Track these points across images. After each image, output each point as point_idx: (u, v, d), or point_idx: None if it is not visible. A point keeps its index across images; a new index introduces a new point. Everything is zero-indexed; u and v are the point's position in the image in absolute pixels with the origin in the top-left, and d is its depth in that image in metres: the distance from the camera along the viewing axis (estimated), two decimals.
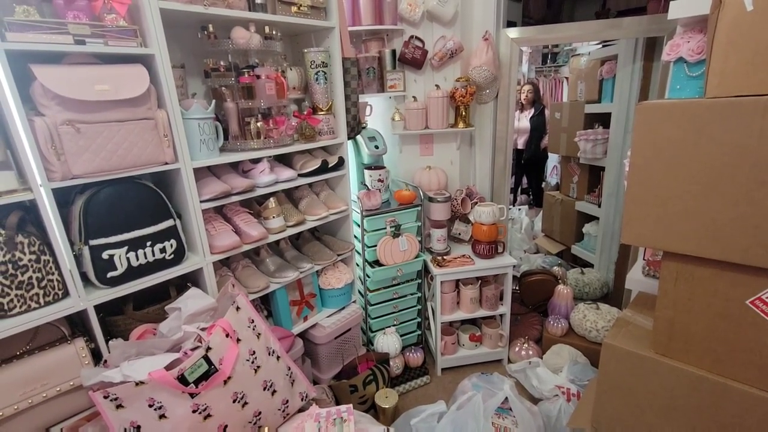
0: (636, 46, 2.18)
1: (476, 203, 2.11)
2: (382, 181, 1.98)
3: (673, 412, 1.12)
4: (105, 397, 0.96)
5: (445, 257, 2.05)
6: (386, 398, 1.76)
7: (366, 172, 1.99)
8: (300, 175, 1.62)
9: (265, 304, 1.70)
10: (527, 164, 4.59)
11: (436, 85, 2.07)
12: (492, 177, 2.31)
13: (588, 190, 2.88)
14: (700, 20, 1.25)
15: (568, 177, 3.12)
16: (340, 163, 1.71)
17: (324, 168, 1.63)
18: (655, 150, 0.97)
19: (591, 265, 2.70)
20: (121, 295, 1.16)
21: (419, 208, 1.99)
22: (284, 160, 1.70)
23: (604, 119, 2.58)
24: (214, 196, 1.30)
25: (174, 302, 1.22)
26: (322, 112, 1.64)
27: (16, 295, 0.99)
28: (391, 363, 1.99)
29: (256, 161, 1.48)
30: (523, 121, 4.38)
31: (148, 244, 1.18)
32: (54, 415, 1.08)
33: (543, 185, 4.50)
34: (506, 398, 1.62)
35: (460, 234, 2.22)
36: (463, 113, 2.09)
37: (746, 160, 0.84)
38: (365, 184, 1.99)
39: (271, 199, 1.53)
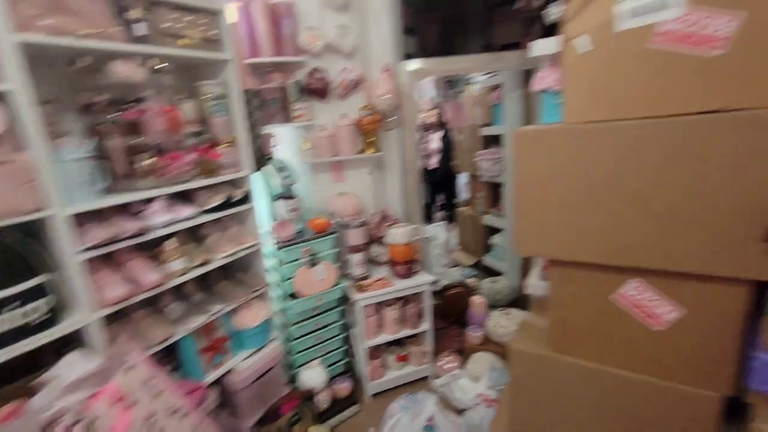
0: (516, 77, 2.47)
1: (391, 225, 2.17)
2: (295, 211, 1.95)
3: (575, 403, 1.23)
4: None
5: (364, 282, 2.07)
6: None
7: (277, 202, 1.94)
8: (203, 212, 1.53)
9: (171, 355, 1.54)
10: (441, 183, 4.88)
11: (343, 114, 2.12)
12: (404, 198, 2.40)
13: (492, 204, 3.14)
14: (556, 57, 1.47)
15: (474, 193, 3.37)
16: (246, 197, 1.65)
17: (229, 203, 1.56)
18: (532, 168, 1.10)
19: (501, 274, 2.92)
20: None
21: (335, 235, 1.99)
22: (185, 197, 1.58)
23: (498, 140, 2.86)
24: (98, 242, 1.17)
25: (49, 371, 1.05)
26: (224, 146, 1.57)
27: None
28: (317, 398, 1.92)
29: (149, 201, 1.36)
30: (435, 142, 4.67)
31: (6, 309, 1.00)
32: None
33: (456, 201, 4.79)
34: (432, 415, 1.66)
35: (378, 256, 2.26)
36: (371, 140, 2.17)
37: (605, 177, 0.99)
38: (278, 216, 1.94)
39: (170, 240, 1.41)
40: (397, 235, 2.02)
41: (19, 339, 1.03)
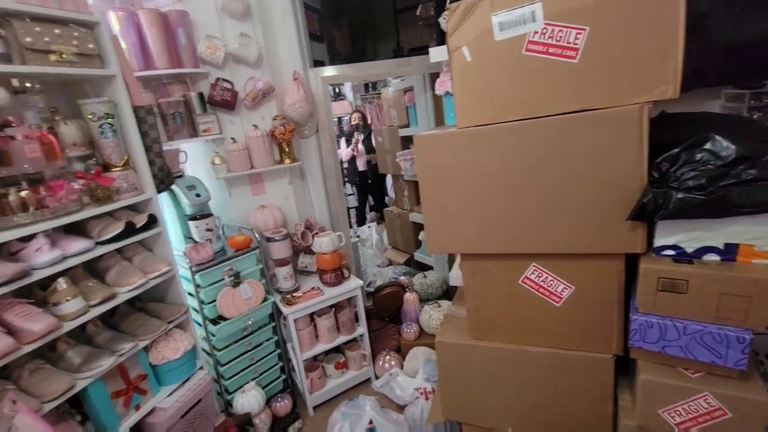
0: (425, 79, 2.57)
1: (316, 234, 2.15)
2: (212, 230, 1.85)
3: (498, 383, 1.32)
4: None
5: (294, 294, 2.02)
6: None
7: (191, 223, 1.82)
8: (98, 244, 1.38)
9: (77, 406, 1.38)
10: (369, 185, 4.92)
11: (254, 125, 2.05)
12: (328, 205, 2.39)
13: (417, 202, 3.24)
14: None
15: (400, 192, 3.46)
16: (152, 221, 1.52)
17: (130, 230, 1.43)
18: (433, 171, 1.16)
19: (432, 268, 3.03)
20: None
21: (257, 251, 1.92)
22: (77, 229, 1.42)
23: None
24: None
25: None
26: (117, 169, 1.44)
27: None
28: (256, 421, 1.84)
29: (29, 239, 1.20)
30: (360, 144, 4.71)
31: None
32: None
33: (387, 201, 4.88)
34: (371, 419, 1.67)
35: (306, 267, 2.23)
36: (287, 149, 2.12)
37: (492, 174, 1.07)
38: (191, 237, 1.83)
39: (60, 279, 1.26)
40: (323, 243, 2.00)
41: None
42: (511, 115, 1.03)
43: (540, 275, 1.15)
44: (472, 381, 1.37)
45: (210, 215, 1.88)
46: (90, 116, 1.38)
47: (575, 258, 1.07)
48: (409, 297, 2.42)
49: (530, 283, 1.17)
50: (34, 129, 1.21)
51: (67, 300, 1.26)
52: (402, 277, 2.83)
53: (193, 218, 1.84)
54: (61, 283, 1.26)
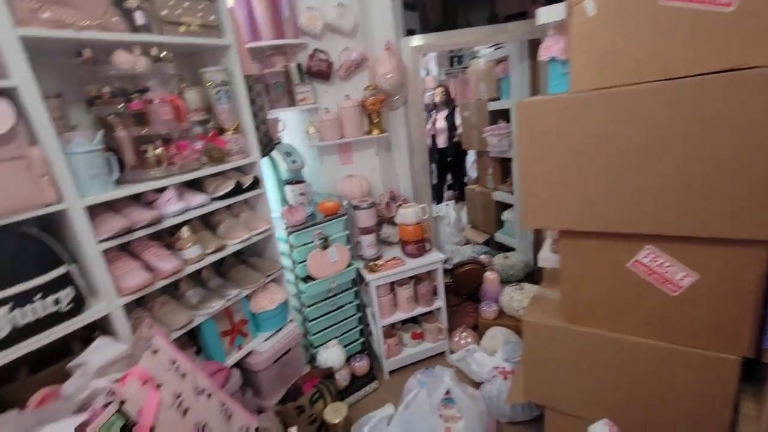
0: (522, 48, 2.40)
1: (400, 206, 2.17)
2: (304, 195, 1.96)
3: (589, 371, 1.25)
4: None
5: (376, 262, 2.08)
6: (335, 412, 1.73)
7: (287, 187, 1.95)
8: (214, 199, 1.55)
9: (193, 339, 1.59)
10: (449, 162, 4.82)
11: (347, 95, 2.10)
12: (413, 178, 2.39)
13: (501, 180, 3.10)
14: (564, 24, 1.42)
15: (483, 170, 3.34)
16: (256, 183, 1.66)
17: (238, 189, 1.58)
18: (536, 141, 1.08)
19: (513, 249, 2.91)
20: (9, 361, 1.02)
21: (345, 218, 2.00)
22: (196, 185, 1.61)
23: (506, 115, 2.81)
24: (114, 233, 1.20)
25: (77, 358, 1.10)
26: (229, 133, 1.58)
27: None
28: (336, 376, 1.97)
29: (161, 190, 1.38)
30: (441, 121, 4.61)
31: (37, 297, 1.05)
32: None
33: (465, 180, 4.76)
34: (448, 389, 1.69)
35: (388, 237, 2.27)
36: (376, 120, 2.15)
37: (609, 144, 0.97)
38: (287, 200, 1.96)
39: (184, 228, 1.44)
40: (407, 214, 2.02)
41: (50, 326, 1.08)
42: (638, 76, 0.92)
43: (655, 259, 1.03)
44: (561, 365, 1.30)
45: (303, 181, 2.00)
46: (209, 83, 1.52)
47: (704, 243, 0.94)
48: (490, 276, 2.35)
49: (642, 267, 1.06)
50: (168, 94, 1.36)
51: (189, 246, 1.43)
52: (482, 256, 2.77)
53: (289, 183, 1.97)
54: (185, 232, 1.44)
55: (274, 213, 1.87)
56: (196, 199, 1.46)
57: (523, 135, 1.10)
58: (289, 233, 1.85)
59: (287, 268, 1.95)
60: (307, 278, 1.94)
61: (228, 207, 1.70)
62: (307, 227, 1.89)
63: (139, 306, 1.41)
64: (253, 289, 1.68)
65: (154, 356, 1.10)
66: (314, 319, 2.01)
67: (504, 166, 3.06)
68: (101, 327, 1.26)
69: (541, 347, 1.33)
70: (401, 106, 2.27)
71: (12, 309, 1.01)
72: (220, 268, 1.73)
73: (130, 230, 1.23)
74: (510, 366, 1.82)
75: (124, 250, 1.35)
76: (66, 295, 1.11)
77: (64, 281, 1.11)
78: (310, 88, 2.04)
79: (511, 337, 2.09)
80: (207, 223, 1.64)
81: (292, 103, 2.04)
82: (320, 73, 2.04)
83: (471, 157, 4.75)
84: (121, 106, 1.28)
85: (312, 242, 1.91)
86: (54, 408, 0.96)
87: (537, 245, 2.67)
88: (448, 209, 4.44)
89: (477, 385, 1.90)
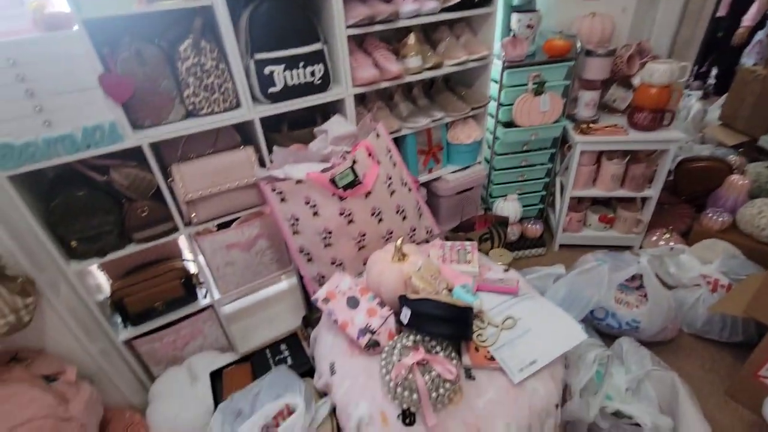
0: None
1: (646, 62, 1.72)
2: (532, 27, 1.71)
3: None
4: (273, 190, 1.14)
5: (591, 125, 1.80)
6: (500, 256, 1.79)
7: (514, 15, 1.72)
8: (443, 10, 1.47)
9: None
10: (719, 38, 3.54)
11: None
12: (677, 31, 1.82)
13: None
14: None
15: None
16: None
17: (469, 1, 1.45)
18: None
19: None
20: (279, 113, 1.28)
21: (572, 63, 1.70)
22: None
23: None
24: (359, 20, 1.26)
25: (322, 126, 1.32)
26: None
27: (204, 98, 1.16)
28: (508, 228, 1.98)
29: None
30: None
31: (301, 64, 1.24)
32: (232, 204, 1.32)
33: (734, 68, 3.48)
34: (633, 277, 1.52)
35: (615, 101, 1.89)
36: None
37: None
38: (511, 30, 1.75)
39: (411, 34, 1.45)
40: (658, 71, 1.59)
41: (307, 94, 1.30)
42: None
43: None
44: None
45: (535, 11, 1.72)
46: None
47: None
48: (737, 181, 1.83)
49: None
50: None
51: (412, 55, 1.45)
52: (731, 157, 2.14)
53: (518, 10, 1.72)
54: (411, 38, 1.44)
55: (496, 42, 1.70)
56: (429, 4, 1.41)
57: None
58: (504, 68, 1.70)
59: (490, 114, 1.86)
60: (508, 125, 1.83)
61: (450, 27, 1.62)
62: (525, 66, 1.69)
63: (360, 105, 1.57)
64: (456, 118, 1.68)
65: (377, 139, 1.24)
66: (501, 170, 1.96)
67: None
68: (334, 111, 1.46)
69: None
70: None
71: (284, 69, 1.22)
72: (429, 90, 1.75)
73: (371, 20, 1.29)
74: (726, 280, 1.50)
75: (360, 47, 1.45)
76: (319, 70, 1.28)
77: (319, 57, 1.27)
78: None
79: (738, 254, 1.67)
80: (429, 38, 1.62)
81: None
82: None
83: (757, 36, 3.37)
84: None
85: (525, 85, 1.73)
86: (306, 153, 1.21)
87: None
88: (689, 100, 3.43)
89: (668, 288, 1.66)
